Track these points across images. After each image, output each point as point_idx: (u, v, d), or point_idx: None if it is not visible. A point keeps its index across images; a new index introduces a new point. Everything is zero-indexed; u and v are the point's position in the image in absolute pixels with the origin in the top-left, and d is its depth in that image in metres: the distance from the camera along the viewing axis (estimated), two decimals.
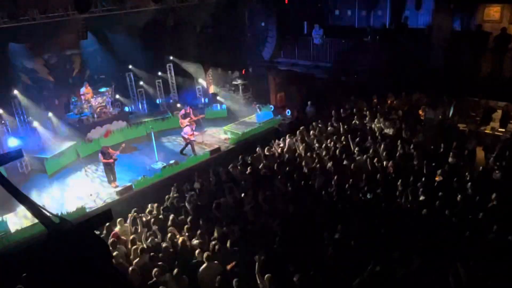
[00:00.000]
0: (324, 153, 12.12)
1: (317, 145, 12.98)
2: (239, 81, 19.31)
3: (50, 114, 15.92)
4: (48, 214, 2.72)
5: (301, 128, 14.40)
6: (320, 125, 14.55)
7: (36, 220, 9.44)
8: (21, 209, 11.31)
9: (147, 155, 14.94)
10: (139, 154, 15.24)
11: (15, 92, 14.78)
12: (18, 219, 11.01)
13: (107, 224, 9.37)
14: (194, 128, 14.71)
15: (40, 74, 16.16)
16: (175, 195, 11.01)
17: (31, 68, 15.85)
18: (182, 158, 14.21)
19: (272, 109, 17.84)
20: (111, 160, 12.49)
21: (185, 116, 15.60)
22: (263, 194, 10.24)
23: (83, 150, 14.98)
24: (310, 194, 10.12)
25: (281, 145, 13.93)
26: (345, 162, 11.35)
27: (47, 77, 16.38)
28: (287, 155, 12.73)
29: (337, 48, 15.53)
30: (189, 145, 14.54)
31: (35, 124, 15.13)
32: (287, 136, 14.15)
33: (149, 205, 10.87)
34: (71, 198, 12.28)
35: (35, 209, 2.71)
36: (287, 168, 11.66)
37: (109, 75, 17.51)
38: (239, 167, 12.31)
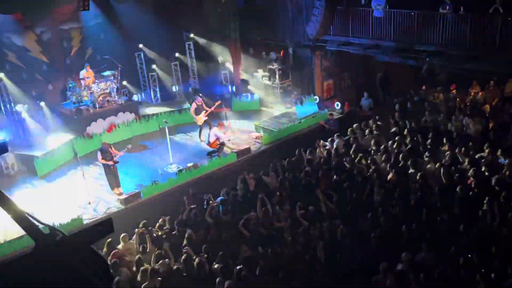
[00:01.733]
0: (383, 158, 11.92)
1: (374, 147, 12.78)
2: (275, 65, 19.29)
3: (42, 102, 16.41)
4: (36, 222, 2.76)
5: (354, 125, 14.23)
6: (379, 122, 14.32)
7: (20, 233, 9.76)
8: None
9: (159, 155, 15.16)
10: (150, 154, 15.49)
11: (1, 74, 15.31)
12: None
13: (109, 240, 9.57)
14: (225, 130, 14.71)
15: (31, 52, 16.68)
16: (192, 206, 11.10)
17: (20, 45, 16.37)
18: (202, 161, 14.32)
19: (317, 101, 17.69)
20: (111, 162, 12.75)
21: (198, 110, 15.67)
22: (303, 209, 10.17)
23: (82, 148, 15.32)
24: (364, 211, 9.96)
25: (328, 146, 13.79)
26: (411, 171, 11.13)
27: (39, 56, 16.89)
28: (335, 160, 12.58)
29: (404, 23, 15.20)
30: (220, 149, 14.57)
31: (24, 114, 15.62)
32: (336, 135, 14.00)
33: (161, 218, 11.01)
34: (66, 206, 12.57)
35: (20, 217, 2.76)
36: (335, 177, 11.53)
37: (115, 55, 17.87)
38: (273, 174, 12.26)
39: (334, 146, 13.59)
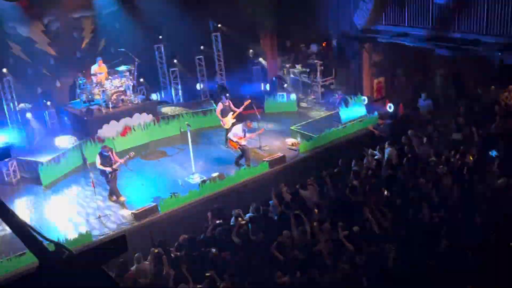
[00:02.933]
0: (445, 170, 11.73)
1: (434, 158, 12.61)
2: (316, 60, 19.25)
3: (48, 101, 16.76)
4: (39, 238, 2.80)
5: (409, 131, 14.06)
6: (440, 128, 14.14)
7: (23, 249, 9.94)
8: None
9: (180, 163, 15.31)
10: (169, 162, 15.65)
11: (4, 70, 15.69)
12: None
13: (121, 260, 9.66)
14: (246, 129, 14.53)
15: (37, 44, 17.06)
16: (217, 222, 11.14)
17: (26, 37, 16.76)
18: (229, 170, 14.36)
19: (365, 102, 17.57)
20: (109, 169, 12.97)
21: (224, 112, 15.68)
22: (346, 229, 10.08)
23: (92, 153, 15.57)
24: (421, 233, 9.81)
25: (378, 156, 13.68)
26: (478, 186, 10.91)
27: (46, 49, 17.26)
28: (386, 172, 12.48)
29: (470, 10, 14.98)
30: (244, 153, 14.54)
31: (28, 114, 15.97)
32: (387, 143, 13.87)
33: (180, 237, 11.06)
34: (73, 219, 12.83)
35: (22, 231, 2.81)
36: (386, 192, 11.41)
37: (131, 48, 18.10)
38: (312, 187, 12.21)
39: (386, 155, 13.49)
